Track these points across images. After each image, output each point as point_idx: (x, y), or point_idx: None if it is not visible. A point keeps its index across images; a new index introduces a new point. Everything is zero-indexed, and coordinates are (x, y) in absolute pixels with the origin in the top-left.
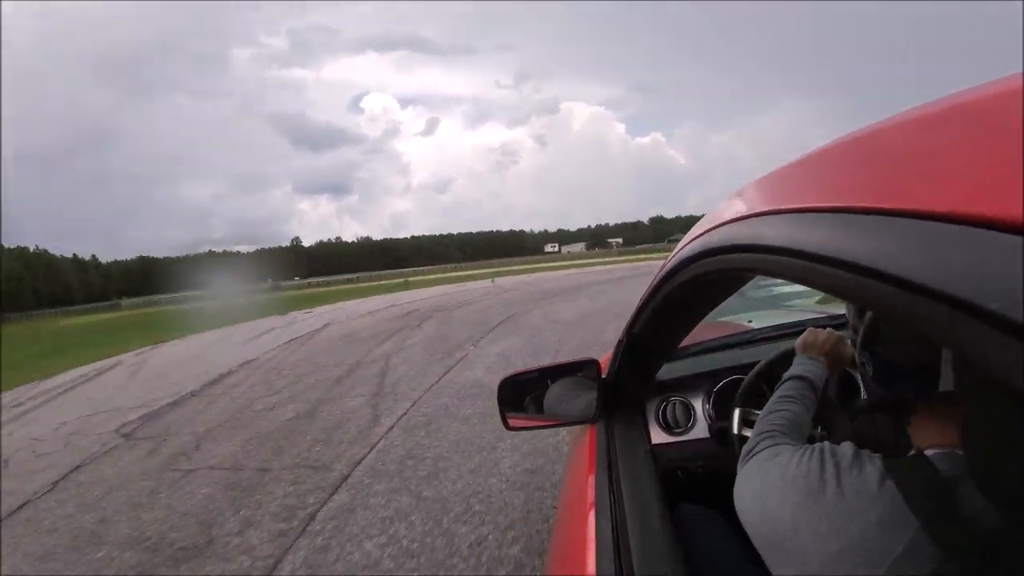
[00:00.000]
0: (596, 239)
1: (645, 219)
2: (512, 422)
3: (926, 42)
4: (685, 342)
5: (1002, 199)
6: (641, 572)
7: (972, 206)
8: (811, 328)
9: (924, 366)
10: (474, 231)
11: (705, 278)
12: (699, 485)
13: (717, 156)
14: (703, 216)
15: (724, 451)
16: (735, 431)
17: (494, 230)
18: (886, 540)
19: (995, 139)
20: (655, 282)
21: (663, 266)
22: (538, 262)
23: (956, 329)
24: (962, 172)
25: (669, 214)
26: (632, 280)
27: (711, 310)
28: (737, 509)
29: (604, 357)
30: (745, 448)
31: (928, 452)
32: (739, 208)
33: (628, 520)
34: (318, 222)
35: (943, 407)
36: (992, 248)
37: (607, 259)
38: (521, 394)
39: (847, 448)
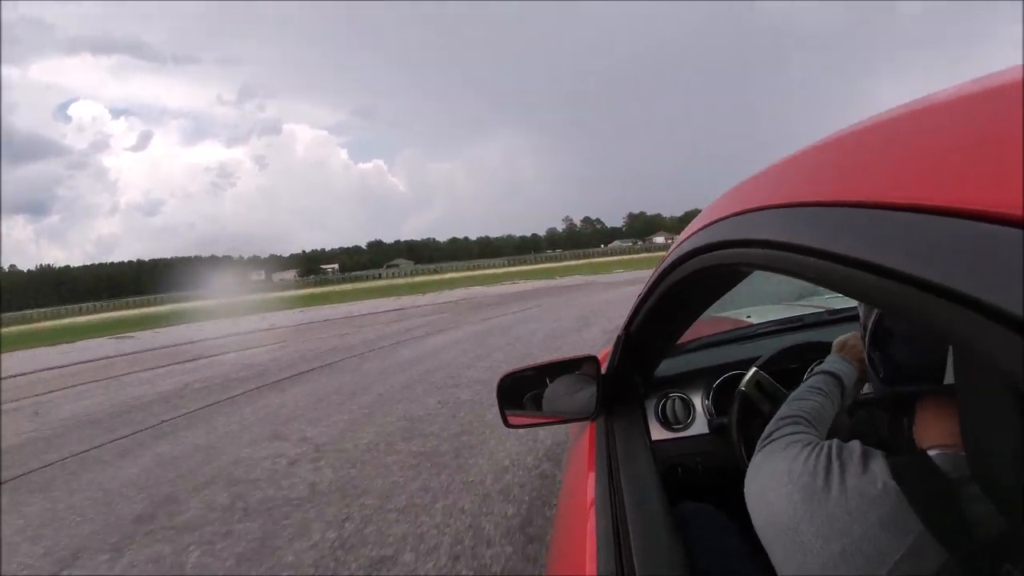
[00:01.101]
0: (310, 265)
1: (364, 244)
2: (512, 419)
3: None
4: (684, 338)
5: (996, 192)
6: (641, 568)
7: (967, 200)
8: (854, 332)
9: (931, 365)
10: (182, 255)
11: (703, 274)
12: (699, 481)
13: (437, 184)
14: (699, 212)
15: (724, 447)
16: (734, 427)
17: (205, 256)
18: (889, 541)
19: (989, 133)
20: (653, 278)
21: (661, 262)
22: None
23: (952, 323)
24: (956, 166)
25: (388, 239)
26: None
27: (709, 306)
28: (746, 498)
29: (603, 353)
30: (767, 429)
31: (931, 453)
32: (736, 204)
33: (628, 516)
34: (13, 247)
35: (947, 406)
36: (987, 241)
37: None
38: (521, 391)
39: (855, 446)
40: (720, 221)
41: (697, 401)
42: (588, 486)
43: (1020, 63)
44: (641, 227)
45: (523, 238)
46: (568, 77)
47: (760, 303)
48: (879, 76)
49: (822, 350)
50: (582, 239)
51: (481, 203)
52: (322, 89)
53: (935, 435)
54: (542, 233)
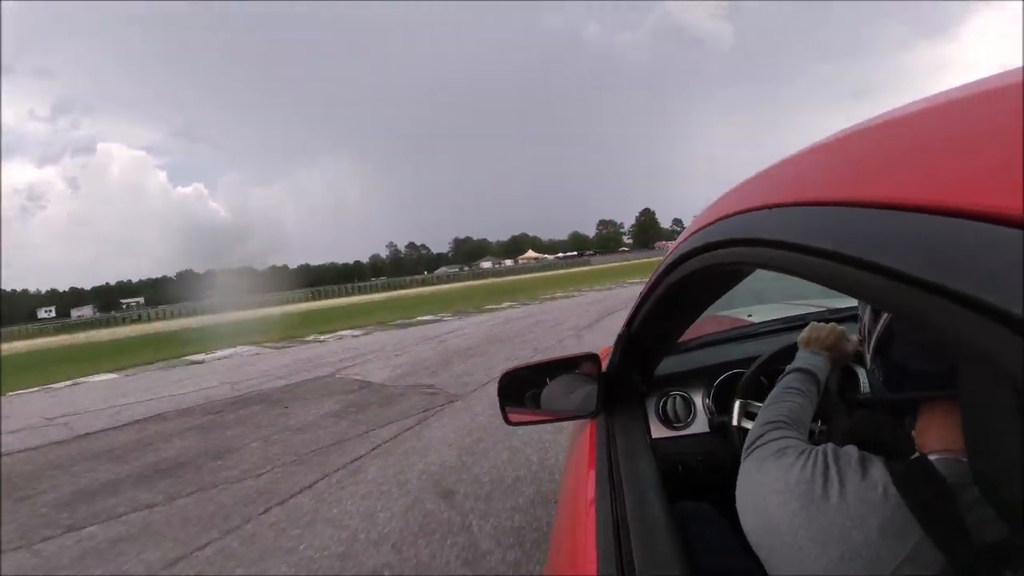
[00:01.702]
0: (109, 299)
1: (173, 274)
2: (513, 416)
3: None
4: (685, 336)
5: (999, 193)
6: (641, 566)
7: (969, 200)
8: (814, 323)
9: (936, 371)
10: None
11: (704, 272)
12: (699, 479)
13: (260, 210)
14: (700, 212)
15: (724, 445)
16: (735, 424)
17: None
18: (889, 547)
19: (990, 134)
20: (655, 277)
21: (663, 261)
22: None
23: (955, 324)
24: (962, 166)
25: (201, 268)
26: None
27: (711, 304)
28: (738, 506)
29: (604, 351)
30: (749, 438)
31: (932, 457)
32: (737, 203)
33: (628, 514)
34: None
35: (949, 411)
36: (990, 242)
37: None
38: (522, 389)
39: (852, 451)
40: (721, 220)
41: (698, 399)
42: (588, 484)
43: (1020, 65)
44: (468, 252)
45: (346, 265)
46: (394, 103)
47: (761, 302)
48: (694, 110)
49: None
50: (406, 266)
51: (304, 229)
52: (142, 106)
53: (937, 440)
54: (365, 260)
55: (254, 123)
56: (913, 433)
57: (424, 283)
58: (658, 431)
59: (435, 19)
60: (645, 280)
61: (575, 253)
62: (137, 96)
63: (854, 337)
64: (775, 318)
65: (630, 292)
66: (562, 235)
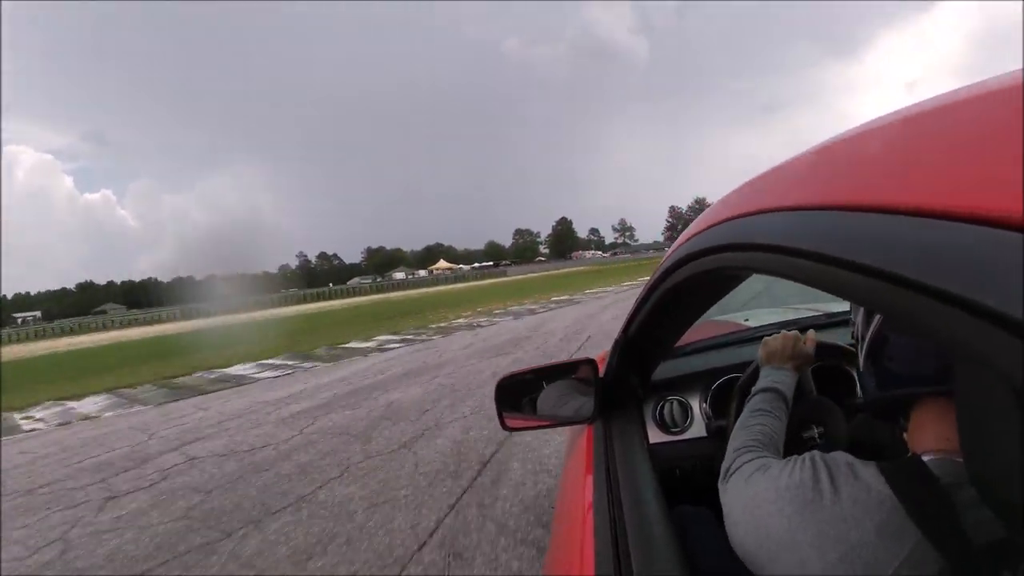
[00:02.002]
0: (5, 313)
1: (72, 285)
2: (510, 422)
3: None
4: (681, 341)
5: (997, 196)
6: (640, 571)
7: (969, 203)
8: (765, 339)
9: (929, 371)
10: None
11: (701, 277)
12: (697, 483)
13: (170, 218)
14: (699, 215)
15: (721, 449)
16: (733, 429)
17: None
18: (887, 548)
19: (989, 137)
20: (651, 281)
21: (659, 265)
22: None
23: (952, 326)
24: (958, 169)
25: (102, 279)
26: None
27: (707, 309)
28: (728, 528)
29: (601, 356)
30: (723, 467)
31: (925, 458)
32: (735, 207)
33: (626, 520)
34: None
35: (941, 411)
36: (988, 245)
37: None
38: (519, 394)
39: (839, 456)
40: (717, 225)
41: (695, 404)
42: (586, 489)
43: (1012, 70)
44: (380, 262)
45: (254, 276)
46: (311, 109)
47: (758, 306)
48: (610, 123)
49: (818, 351)
50: (318, 277)
51: (214, 239)
52: (51, 107)
53: (930, 440)
54: (274, 270)
55: (168, 127)
56: (905, 435)
57: (319, 297)
58: (656, 436)
59: (349, 23)
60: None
61: (491, 263)
62: (47, 95)
63: (810, 334)
64: (771, 322)
65: (573, 318)
66: (478, 245)
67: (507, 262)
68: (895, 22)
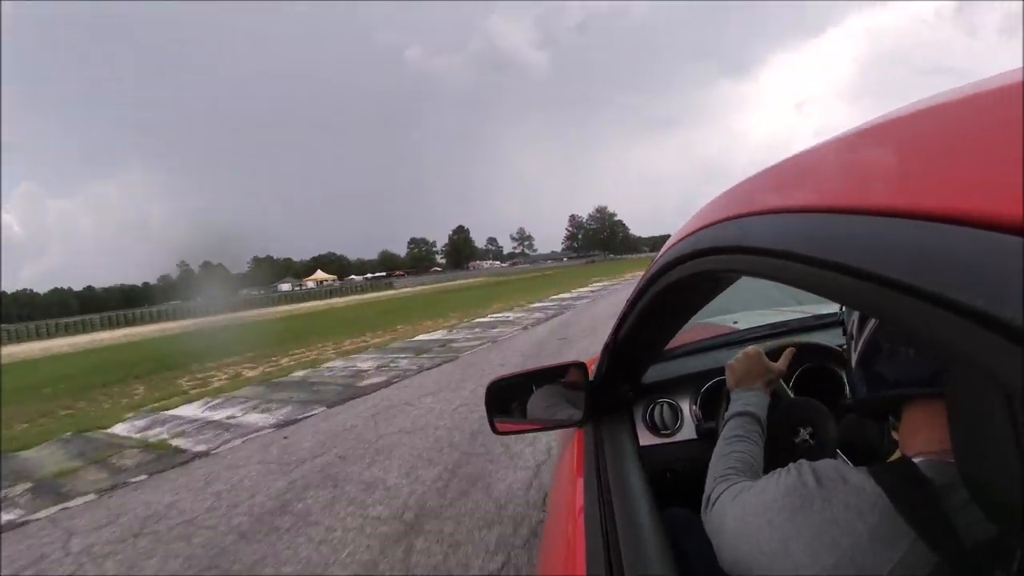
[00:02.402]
0: None
1: None
2: (500, 426)
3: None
4: (671, 344)
5: (988, 198)
6: (631, 574)
7: (959, 205)
8: (729, 363)
9: (920, 373)
10: None
11: (691, 280)
12: (687, 486)
13: (56, 224)
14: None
15: (712, 452)
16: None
17: None
18: (881, 550)
19: (982, 138)
20: (641, 284)
21: (649, 269)
22: None
23: (944, 329)
24: (947, 172)
25: None
26: None
27: (697, 312)
28: (718, 553)
29: (591, 360)
30: (705, 497)
31: (916, 460)
32: (725, 210)
33: (618, 522)
34: None
35: (931, 413)
36: (980, 247)
37: None
38: (509, 398)
39: (827, 462)
40: (707, 228)
41: (685, 407)
42: (577, 492)
43: (1009, 70)
44: (267, 272)
45: (133, 287)
46: (200, 110)
47: (747, 308)
48: (511, 134)
49: (807, 352)
50: (203, 287)
51: (101, 247)
52: None
53: (921, 442)
54: (154, 281)
55: (57, 126)
56: (896, 436)
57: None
58: (646, 439)
59: (243, 22)
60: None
61: (383, 273)
62: None
63: (787, 352)
64: (761, 324)
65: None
66: (372, 254)
67: (400, 272)
68: (788, 45)
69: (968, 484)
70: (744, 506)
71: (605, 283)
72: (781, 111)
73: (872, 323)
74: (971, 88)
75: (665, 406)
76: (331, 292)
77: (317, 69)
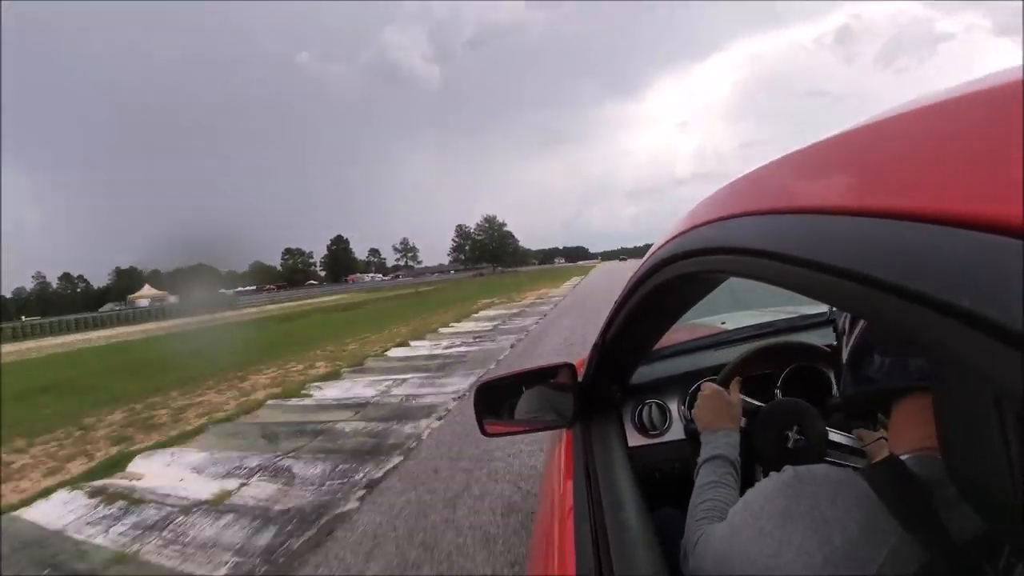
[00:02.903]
0: None
1: None
2: (489, 428)
3: None
4: (659, 344)
5: (975, 198)
6: (620, 574)
7: (946, 206)
8: (694, 411)
9: (908, 371)
10: None
11: (679, 280)
12: (676, 486)
13: None
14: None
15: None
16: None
17: None
18: (870, 546)
19: (969, 140)
20: (630, 285)
21: (638, 269)
22: None
23: (929, 328)
24: (933, 173)
25: None
26: None
27: (685, 312)
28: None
29: (579, 361)
30: (683, 545)
31: (904, 456)
32: (713, 211)
33: (607, 523)
34: None
35: (919, 411)
36: (967, 248)
37: None
38: (498, 400)
39: (812, 466)
40: (696, 228)
41: (673, 407)
42: (566, 493)
43: (994, 72)
44: (127, 286)
45: None
46: (65, 109)
47: (735, 309)
48: (398, 144)
49: (794, 352)
50: (63, 301)
51: None
52: None
53: (909, 440)
54: (9, 294)
55: None
56: (885, 434)
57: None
58: (634, 439)
59: (122, 23)
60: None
61: (252, 288)
62: None
63: (712, 388)
64: (748, 324)
65: None
66: (243, 266)
67: (273, 286)
68: (675, 68)
69: (956, 479)
70: (733, 526)
71: (496, 316)
72: (665, 131)
73: (861, 322)
74: (952, 92)
75: (654, 406)
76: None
77: (198, 77)
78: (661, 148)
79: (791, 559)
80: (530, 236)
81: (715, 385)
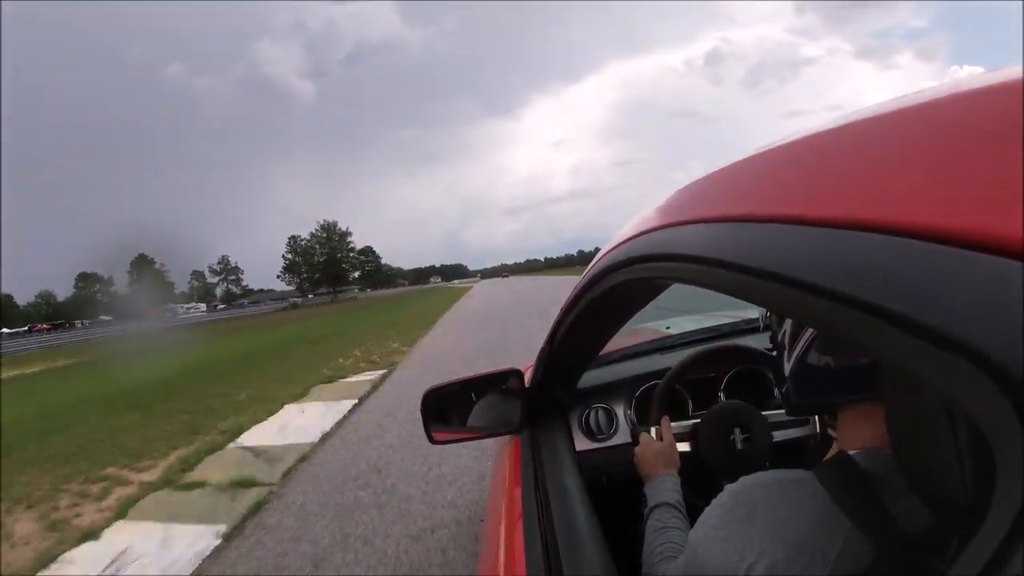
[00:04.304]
0: None
1: None
2: (437, 435)
3: None
4: (605, 349)
5: (913, 206)
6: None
7: (884, 215)
8: (634, 459)
9: (853, 376)
10: None
11: (625, 287)
12: (624, 489)
13: None
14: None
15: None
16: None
17: None
18: (824, 541)
19: (908, 148)
20: (576, 292)
21: (583, 276)
22: None
23: (872, 335)
24: (872, 180)
25: None
26: None
27: (630, 318)
28: None
29: (527, 367)
30: None
31: (853, 453)
32: (658, 218)
33: (556, 526)
34: None
35: (866, 411)
36: (906, 255)
37: None
38: (445, 407)
39: (765, 472)
40: (640, 236)
41: (619, 411)
42: (515, 499)
43: (932, 87)
44: None
45: None
46: None
47: (678, 314)
48: (274, 163)
49: (733, 355)
50: None
51: None
52: None
53: (857, 438)
54: None
55: None
56: (832, 433)
57: None
58: (582, 444)
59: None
60: None
61: (25, 328)
62: None
63: (664, 420)
64: (691, 329)
65: None
66: (28, 295)
67: (44, 325)
68: (551, 88)
69: (905, 473)
70: (692, 545)
71: None
72: (541, 149)
73: (807, 333)
74: (890, 104)
75: (600, 411)
76: None
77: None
78: (537, 165)
79: (755, 560)
80: (404, 255)
81: (646, 435)
